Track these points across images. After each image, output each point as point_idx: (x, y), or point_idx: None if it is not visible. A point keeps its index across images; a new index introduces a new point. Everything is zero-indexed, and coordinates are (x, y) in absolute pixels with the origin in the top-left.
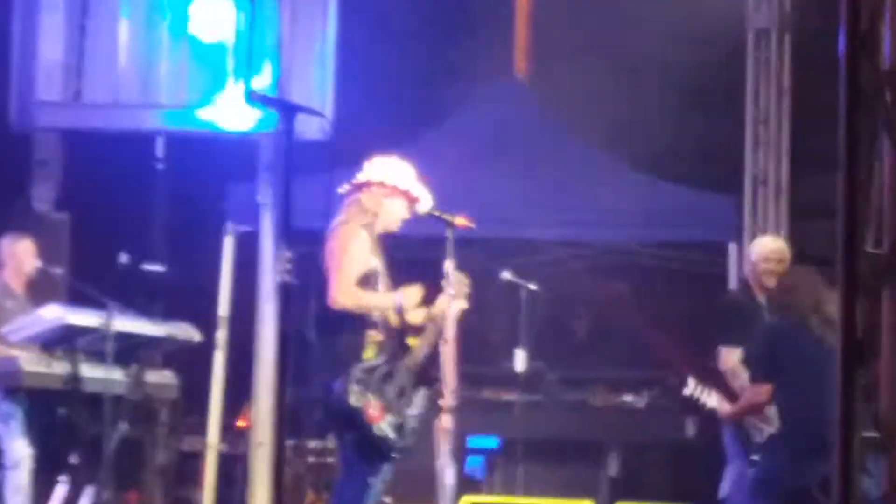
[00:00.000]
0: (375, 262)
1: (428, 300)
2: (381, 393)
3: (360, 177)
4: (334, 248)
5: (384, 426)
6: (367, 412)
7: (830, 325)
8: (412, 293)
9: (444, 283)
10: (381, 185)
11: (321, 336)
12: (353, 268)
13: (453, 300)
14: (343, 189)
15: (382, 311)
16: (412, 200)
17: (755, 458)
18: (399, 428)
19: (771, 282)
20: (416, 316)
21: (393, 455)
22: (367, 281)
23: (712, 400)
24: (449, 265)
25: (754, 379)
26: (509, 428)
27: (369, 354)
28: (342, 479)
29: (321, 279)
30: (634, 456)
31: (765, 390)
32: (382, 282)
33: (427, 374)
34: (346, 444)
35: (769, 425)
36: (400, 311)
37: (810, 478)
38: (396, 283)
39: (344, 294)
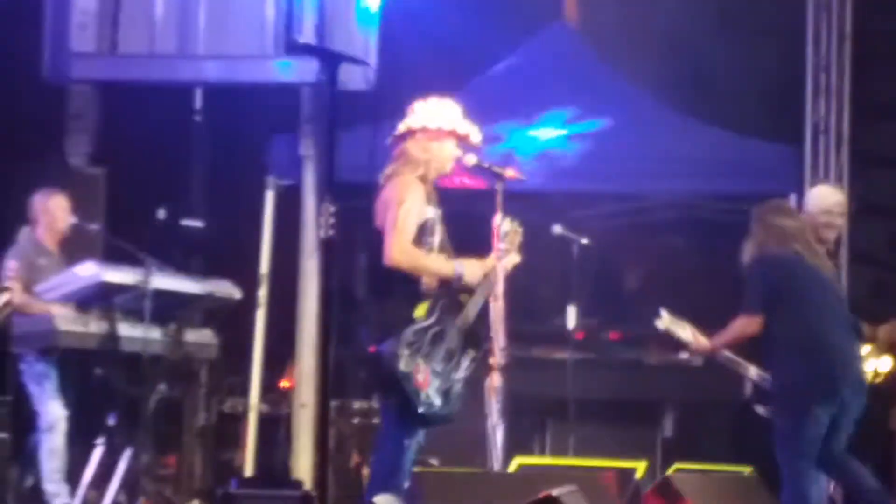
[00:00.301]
0: (432, 213)
1: (480, 255)
2: (430, 356)
3: (402, 126)
4: (389, 202)
5: (431, 392)
6: (416, 378)
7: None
8: (474, 268)
9: (495, 236)
10: (424, 130)
11: (370, 293)
12: (409, 223)
13: (506, 254)
14: (389, 140)
15: (439, 276)
16: (461, 138)
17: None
18: (446, 394)
19: (831, 235)
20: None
21: (435, 422)
22: (423, 231)
23: (686, 333)
24: (499, 219)
25: (746, 310)
26: (561, 387)
27: (420, 312)
28: (381, 442)
29: (370, 234)
30: (691, 416)
31: (756, 321)
32: (439, 231)
33: (477, 336)
34: (390, 407)
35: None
36: (458, 282)
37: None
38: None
39: (400, 252)
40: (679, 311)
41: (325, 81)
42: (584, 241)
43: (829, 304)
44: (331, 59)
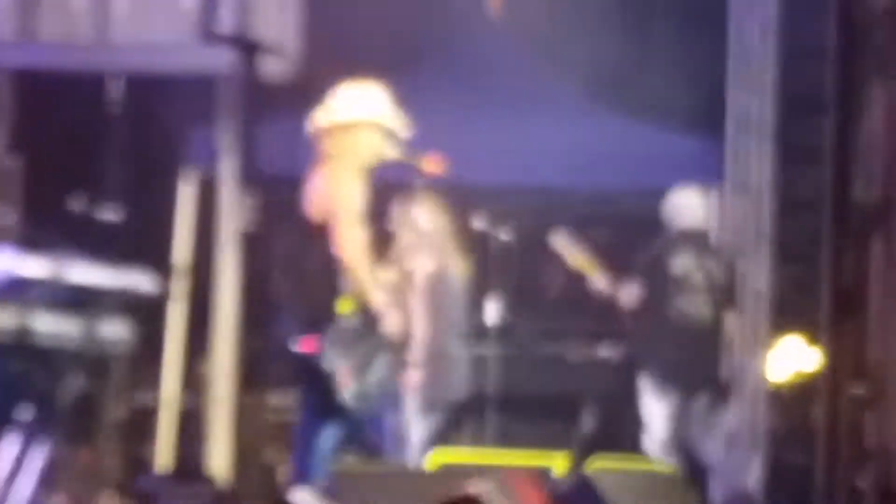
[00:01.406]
0: (361, 204)
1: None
2: (350, 355)
3: (323, 119)
4: (330, 194)
5: (348, 392)
6: (338, 376)
7: None
8: (397, 320)
9: (412, 234)
10: (345, 123)
11: (292, 287)
12: (355, 219)
13: (427, 258)
14: (311, 131)
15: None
16: (382, 129)
17: None
18: (361, 395)
19: None
20: (388, 273)
21: (351, 420)
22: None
23: (578, 261)
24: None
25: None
26: (481, 382)
27: (345, 307)
28: (298, 438)
29: (291, 227)
30: (611, 411)
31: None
32: (364, 225)
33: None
34: (308, 403)
35: None
36: (376, 316)
37: None
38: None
39: (351, 254)
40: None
41: (243, 71)
42: (504, 236)
43: None
44: (249, 49)
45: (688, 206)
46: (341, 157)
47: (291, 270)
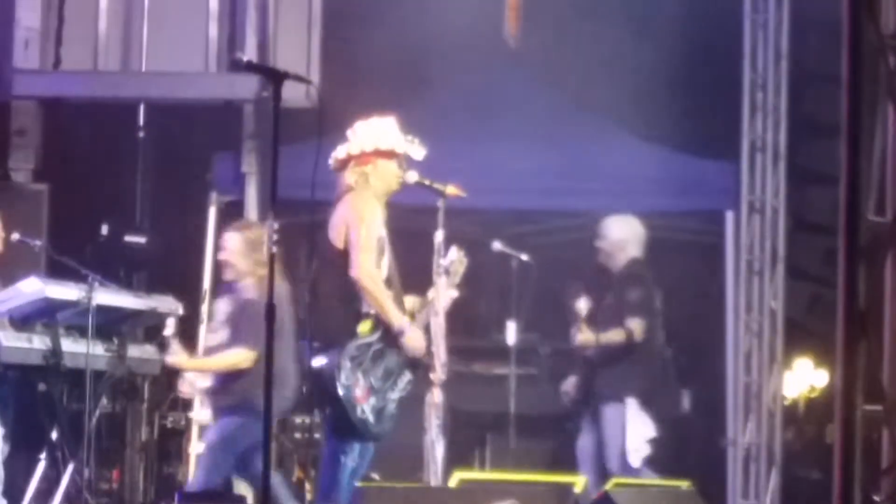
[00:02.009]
0: (383, 233)
1: (420, 273)
2: (370, 373)
3: (340, 152)
4: (350, 220)
5: (367, 408)
6: (355, 392)
7: None
8: (418, 336)
9: (437, 261)
10: (363, 154)
11: (313, 307)
12: (372, 243)
13: (447, 286)
14: (330, 165)
15: (384, 318)
16: (397, 156)
17: None
18: (379, 413)
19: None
20: (409, 303)
21: (368, 438)
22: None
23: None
24: (439, 238)
25: None
26: (501, 402)
27: (364, 329)
28: (324, 455)
29: (312, 249)
30: None
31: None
32: (388, 251)
33: (415, 358)
34: (327, 419)
35: None
36: (398, 334)
37: None
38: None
39: (368, 276)
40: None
41: (267, 99)
42: (524, 257)
43: None
44: (274, 77)
45: (636, 233)
46: (362, 187)
47: (312, 292)
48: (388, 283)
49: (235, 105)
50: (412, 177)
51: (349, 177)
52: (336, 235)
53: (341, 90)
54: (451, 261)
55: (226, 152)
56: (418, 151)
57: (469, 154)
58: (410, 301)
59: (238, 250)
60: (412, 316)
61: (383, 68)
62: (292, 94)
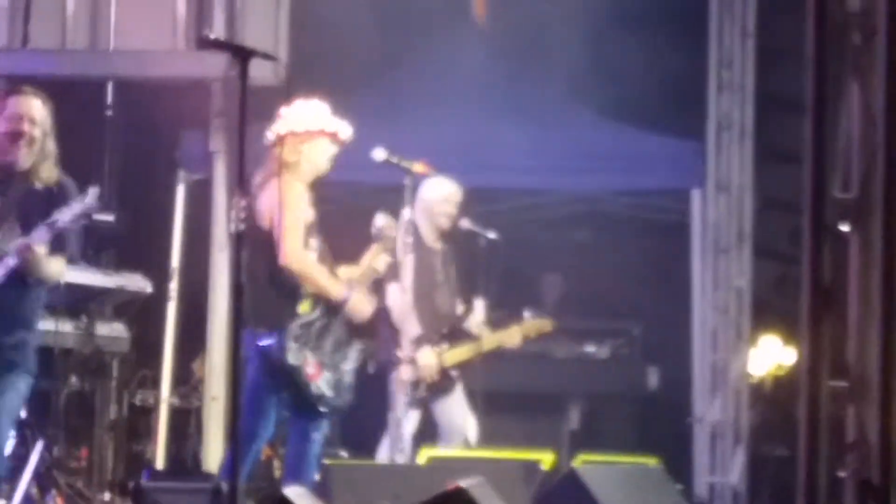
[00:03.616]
0: (311, 215)
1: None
2: (318, 348)
3: (269, 133)
4: (274, 205)
5: (321, 384)
6: (306, 370)
7: None
8: (362, 300)
9: (405, 238)
10: (292, 133)
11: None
12: (299, 227)
13: (381, 251)
14: (266, 140)
15: (324, 293)
16: (331, 135)
17: None
18: (336, 385)
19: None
20: (346, 272)
21: (328, 412)
22: (306, 234)
23: None
24: (406, 215)
25: None
26: (469, 379)
27: (305, 307)
28: (292, 433)
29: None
30: (596, 408)
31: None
32: (315, 240)
33: (362, 327)
34: (283, 400)
35: None
36: (341, 304)
37: None
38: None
39: (296, 260)
40: (584, 304)
41: (235, 77)
42: (492, 235)
43: None
44: (241, 55)
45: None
46: (296, 166)
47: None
48: (321, 266)
49: (204, 83)
50: (380, 154)
51: (286, 154)
52: (263, 221)
53: (309, 68)
54: (380, 227)
55: (194, 131)
56: (346, 131)
57: (436, 132)
58: (347, 270)
59: None
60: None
61: (351, 46)
62: (260, 71)
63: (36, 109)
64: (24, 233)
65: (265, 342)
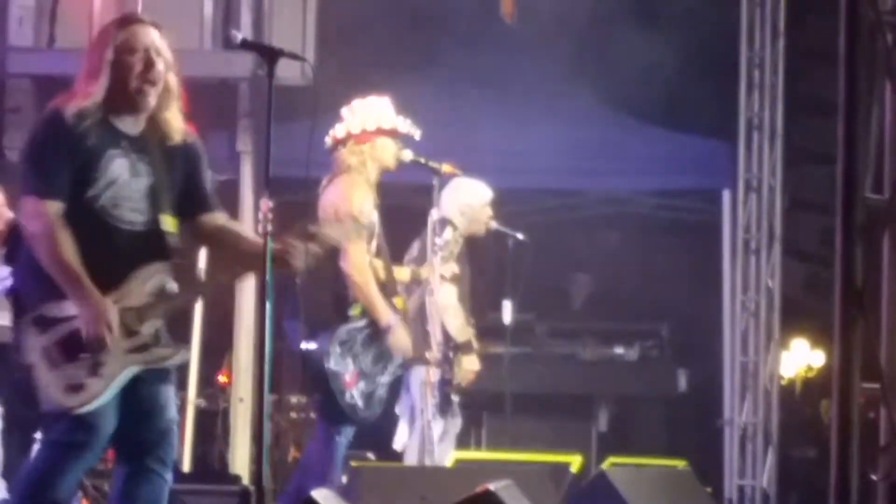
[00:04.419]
0: (374, 218)
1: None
2: (360, 358)
3: (340, 131)
4: (339, 205)
5: (355, 393)
6: (344, 377)
7: None
8: (403, 336)
9: (432, 239)
10: (363, 133)
11: (308, 286)
12: (362, 234)
13: (444, 262)
14: (327, 143)
15: (371, 311)
16: (390, 132)
17: None
18: (369, 397)
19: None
20: (403, 273)
21: (357, 423)
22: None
23: None
24: (434, 216)
25: None
26: (497, 381)
27: (356, 312)
28: (317, 435)
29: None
30: (625, 410)
31: None
32: (377, 235)
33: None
34: (314, 402)
35: None
36: (384, 331)
37: None
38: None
39: (357, 272)
40: (613, 305)
41: (263, 77)
42: (520, 236)
43: None
44: (269, 55)
45: None
46: (359, 167)
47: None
48: (378, 261)
49: (230, 83)
50: (408, 155)
51: (347, 156)
52: (325, 219)
53: (337, 68)
54: (447, 240)
55: (220, 131)
56: (407, 126)
57: (464, 133)
58: (405, 272)
59: None
60: (404, 306)
61: (379, 46)
62: (287, 72)
63: (158, 40)
64: None
65: (308, 346)
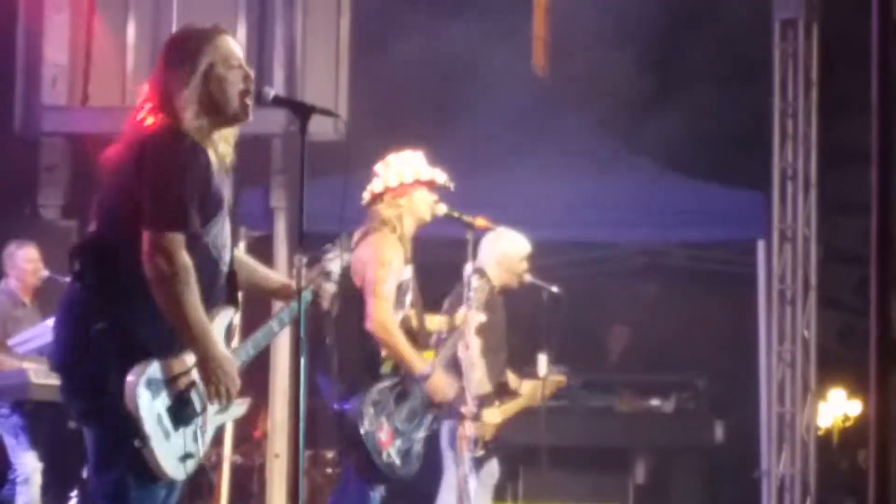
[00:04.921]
0: (408, 274)
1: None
2: (393, 416)
3: (377, 185)
4: (369, 261)
5: (392, 452)
6: (379, 437)
7: None
8: (442, 381)
9: (467, 293)
10: (401, 186)
11: (339, 344)
12: (389, 289)
13: (473, 312)
14: (364, 199)
15: (405, 365)
16: (427, 184)
17: None
18: (406, 454)
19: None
20: (436, 322)
21: (394, 480)
22: (399, 292)
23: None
24: (469, 270)
25: None
26: (534, 434)
27: (387, 368)
28: (341, 490)
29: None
30: (662, 462)
31: None
32: (412, 289)
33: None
34: (350, 462)
35: None
36: (421, 380)
37: None
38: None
39: (381, 329)
40: (649, 356)
41: (295, 133)
42: (555, 289)
43: None
44: (302, 111)
45: None
46: (395, 222)
47: (334, 331)
48: (410, 319)
49: (263, 139)
50: (442, 209)
51: (384, 210)
52: (357, 277)
53: (369, 123)
54: (474, 287)
55: (254, 187)
56: (442, 176)
57: (497, 186)
58: (437, 321)
59: None
60: (433, 359)
61: (410, 100)
62: (320, 127)
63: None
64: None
65: (341, 409)
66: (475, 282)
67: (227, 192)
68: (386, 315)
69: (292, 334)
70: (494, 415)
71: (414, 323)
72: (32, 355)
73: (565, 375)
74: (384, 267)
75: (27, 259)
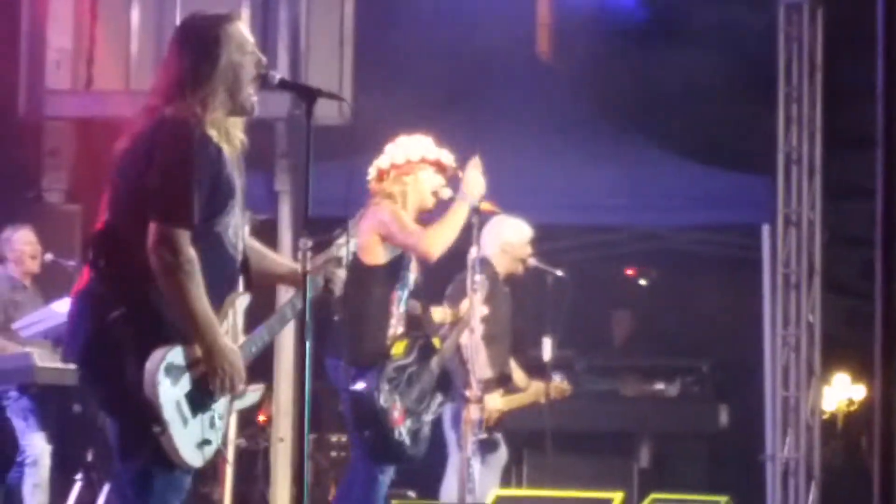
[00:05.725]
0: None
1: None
2: (406, 395)
3: (384, 161)
4: (376, 224)
5: (403, 431)
6: (393, 414)
7: None
8: (477, 178)
9: (472, 277)
10: (407, 163)
11: (350, 325)
12: (409, 221)
13: (478, 303)
14: (370, 174)
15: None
16: (434, 163)
17: None
18: (415, 435)
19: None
20: (440, 314)
21: (403, 461)
22: (400, 266)
23: None
24: (473, 254)
25: None
26: (538, 419)
27: (398, 350)
28: (351, 474)
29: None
30: (666, 446)
31: None
32: (414, 268)
33: (447, 380)
34: (363, 441)
35: None
36: (471, 213)
37: None
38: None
39: (428, 244)
40: (653, 341)
41: (300, 116)
42: (560, 272)
43: None
44: (306, 95)
45: None
46: (399, 198)
47: (346, 311)
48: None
49: (268, 123)
50: (447, 193)
51: (389, 185)
52: (363, 251)
53: (374, 107)
54: (482, 277)
55: (258, 171)
56: (448, 157)
57: (502, 170)
58: (441, 312)
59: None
60: (440, 346)
61: (415, 85)
62: (325, 111)
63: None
64: None
65: (358, 387)
66: (477, 279)
67: (240, 180)
68: (426, 237)
69: (297, 318)
70: (495, 401)
71: (418, 311)
72: (38, 339)
73: (570, 386)
74: (398, 218)
75: (24, 241)
